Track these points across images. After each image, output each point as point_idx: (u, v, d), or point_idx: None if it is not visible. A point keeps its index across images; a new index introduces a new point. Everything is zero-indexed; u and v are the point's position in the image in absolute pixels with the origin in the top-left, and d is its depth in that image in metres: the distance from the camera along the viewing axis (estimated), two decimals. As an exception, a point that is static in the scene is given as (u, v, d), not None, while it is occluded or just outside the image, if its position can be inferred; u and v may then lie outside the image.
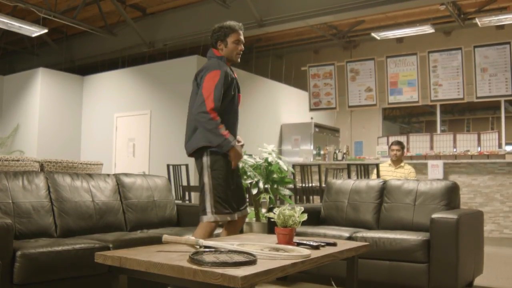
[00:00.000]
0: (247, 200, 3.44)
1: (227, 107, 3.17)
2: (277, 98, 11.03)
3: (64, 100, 10.29)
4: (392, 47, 10.78)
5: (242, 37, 3.28)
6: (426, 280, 3.30)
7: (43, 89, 9.91)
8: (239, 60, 3.32)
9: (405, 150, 6.99)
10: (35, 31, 8.81)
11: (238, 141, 3.26)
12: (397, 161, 6.24)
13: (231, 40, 3.23)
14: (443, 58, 8.47)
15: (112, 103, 10.05)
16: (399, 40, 10.97)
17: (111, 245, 2.95)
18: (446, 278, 3.25)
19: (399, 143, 6.27)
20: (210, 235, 3.02)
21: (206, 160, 3.13)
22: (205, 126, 3.05)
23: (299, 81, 11.11)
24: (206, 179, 3.10)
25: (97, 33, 10.36)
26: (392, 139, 8.36)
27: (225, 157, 3.13)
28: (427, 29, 8.87)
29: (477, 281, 3.81)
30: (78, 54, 11.83)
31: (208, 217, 3.07)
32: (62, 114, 10.19)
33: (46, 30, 8.88)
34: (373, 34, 9.27)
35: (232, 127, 3.20)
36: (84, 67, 11.73)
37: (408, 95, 8.80)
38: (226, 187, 3.11)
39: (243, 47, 3.30)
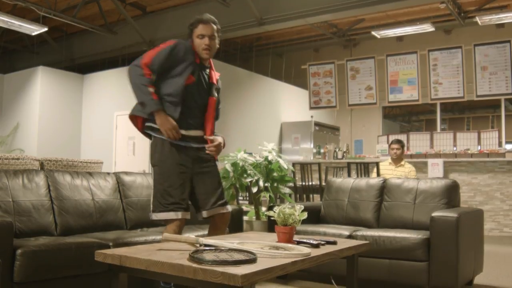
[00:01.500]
0: (224, 197, 3.09)
1: (169, 84, 2.88)
2: (277, 96, 11.02)
3: (64, 99, 10.28)
4: (392, 46, 10.78)
5: (207, 30, 2.93)
6: (426, 279, 3.30)
7: (43, 88, 9.90)
8: (206, 56, 2.96)
9: (405, 148, 6.99)
10: (35, 30, 8.80)
11: (213, 141, 3.00)
12: (397, 160, 6.24)
13: (195, 35, 2.94)
14: (443, 57, 8.48)
15: (112, 102, 10.04)
16: (399, 38, 10.96)
17: (111, 244, 2.95)
18: (446, 276, 3.25)
19: (399, 142, 6.27)
20: (176, 234, 2.78)
21: (150, 154, 2.97)
22: (134, 80, 2.83)
23: (299, 80, 11.10)
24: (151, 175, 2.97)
25: (97, 31, 10.35)
26: (392, 137, 8.36)
27: (170, 148, 2.90)
28: (427, 27, 8.86)
29: (477, 280, 3.81)
30: (78, 53, 11.83)
31: (150, 215, 2.89)
32: (62, 113, 10.19)
33: (46, 29, 8.87)
34: (373, 33, 9.26)
35: (174, 110, 2.86)
36: (84, 66, 11.72)
37: (408, 94, 8.81)
38: (173, 182, 2.85)
39: (207, 41, 2.93)
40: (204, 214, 2.99)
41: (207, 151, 3.00)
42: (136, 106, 2.95)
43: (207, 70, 3.08)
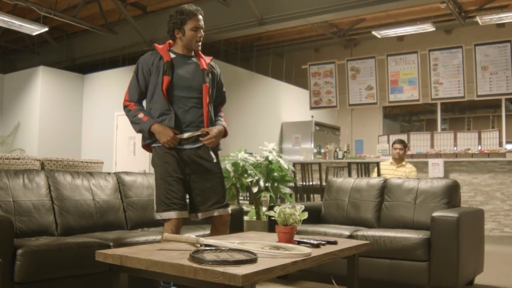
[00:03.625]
0: (224, 199, 3.05)
1: (154, 100, 2.98)
2: (277, 96, 11.02)
3: (64, 99, 10.28)
4: (393, 46, 10.78)
5: (201, 23, 2.98)
6: (426, 279, 3.30)
7: (43, 88, 9.91)
8: (199, 48, 3.04)
9: (407, 149, 6.99)
10: (36, 30, 8.80)
11: (207, 133, 2.97)
12: (398, 160, 6.25)
13: (189, 27, 2.96)
14: (444, 57, 8.47)
15: (113, 102, 10.03)
16: (400, 38, 10.96)
17: (111, 244, 2.95)
18: (446, 276, 3.25)
19: (402, 142, 6.27)
20: (174, 233, 2.81)
21: (151, 159, 3.04)
22: (128, 118, 3.03)
23: (299, 80, 11.10)
24: (154, 178, 3.03)
25: (98, 31, 10.36)
26: (392, 137, 8.36)
27: (167, 151, 2.94)
28: (428, 27, 8.86)
29: (478, 280, 3.81)
30: (79, 53, 11.83)
31: (155, 215, 2.92)
32: (63, 113, 10.20)
33: (46, 29, 8.88)
34: (373, 33, 9.26)
35: (168, 120, 2.92)
36: (84, 66, 11.73)
37: (408, 94, 8.80)
38: (170, 183, 2.87)
39: (202, 33, 3.01)
40: (200, 215, 2.99)
41: (204, 142, 2.98)
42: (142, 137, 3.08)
43: (192, 59, 3.08)
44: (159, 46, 3.09)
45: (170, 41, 3.12)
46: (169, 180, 2.90)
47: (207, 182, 3.01)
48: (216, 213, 2.98)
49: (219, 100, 3.23)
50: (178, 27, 2.99)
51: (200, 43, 3.04)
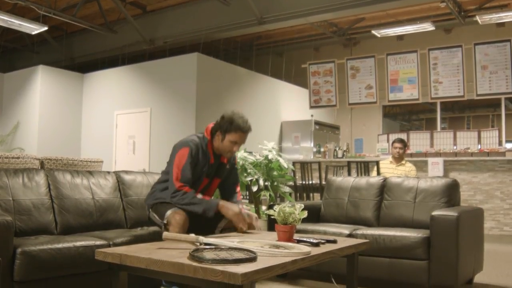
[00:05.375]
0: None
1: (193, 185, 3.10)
2: (277, 95, 11.02)
3: (64, 98, 10.28)
4: (393, 45, 10.76)
5: (242, 140, 3.11)
6: (426, 277, 3.31)
7: (43, 87, 9.91)
8: (228, 157, 3.21)
9: (406, 148, 6.99)
10: (35, 29, 8.80)
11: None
12: (398, 159, 6.25)
13: (229, 138, 3.06)
14: (444, 56, 8.47)
15: (112, 101, 10.05)
16: (400, 37, 10.95)
17: (111, 242, 2.95)
18: (446, 275, 3.25)
19: (402, 141, 6.28)
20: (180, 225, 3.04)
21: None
22: (182, 202, 2.99)
23: (299, 79, 11.10)
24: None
25: (97, 30, 10.35)
26: (392, 136, 8.36)
27: None
28: (428, 26, 8.85)
29: (477, 278, 3.81)
30: (78, 52, 11.82)
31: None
32: (62, 112, 10.20)
33: (46, 28, 8.88)
34: (373, 32, 9.26)
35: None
36: (84, 65, 11.72)
37: (408, 93, 8.80)
38: None
39: (237, 148, 3.13)
40: None
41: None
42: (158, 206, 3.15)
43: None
44: (207, 137, 3.16)
45: (210, 126, 3.19)
46: None
47: None
48: None
49: (232, 181, 3.37)
50: (222, 131, 3.09)
51: (230, 155, 3.17)
